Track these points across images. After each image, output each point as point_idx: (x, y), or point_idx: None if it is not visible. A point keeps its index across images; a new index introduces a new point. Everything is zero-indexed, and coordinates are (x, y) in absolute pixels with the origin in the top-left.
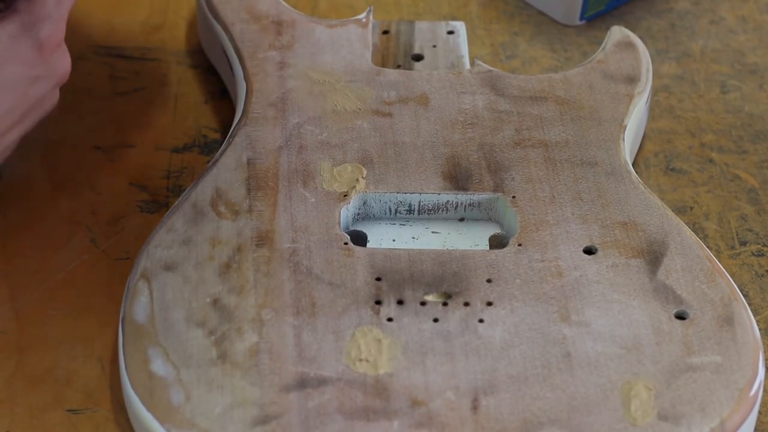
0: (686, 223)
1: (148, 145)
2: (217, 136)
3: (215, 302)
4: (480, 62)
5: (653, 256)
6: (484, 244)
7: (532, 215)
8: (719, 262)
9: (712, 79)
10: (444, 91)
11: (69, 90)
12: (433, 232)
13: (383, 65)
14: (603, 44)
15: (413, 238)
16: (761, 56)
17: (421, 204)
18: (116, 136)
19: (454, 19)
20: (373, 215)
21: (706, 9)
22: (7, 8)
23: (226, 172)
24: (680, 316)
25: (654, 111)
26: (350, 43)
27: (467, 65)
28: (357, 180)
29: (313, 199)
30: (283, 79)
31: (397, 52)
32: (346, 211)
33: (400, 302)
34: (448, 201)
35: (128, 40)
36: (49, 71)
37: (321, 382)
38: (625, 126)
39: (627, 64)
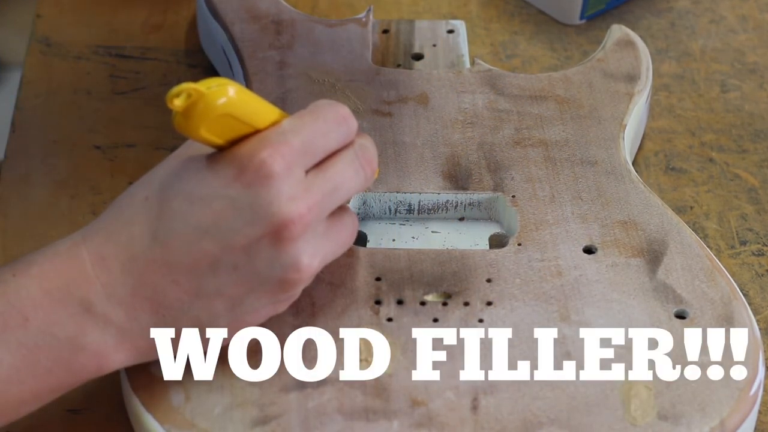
0: (686, 223)
1: (148, 145)
2: None
3: None
4: (480, 61)
5: (653, 256)
6: (484, 244)
7: (531, 214)
8: (719, 261)
9: (712, 78)
10: (444, 90)
11: (69, 90)
12: (433, 232)
13: (383, 64)
14: (603, 43)
15: (413, 237)
16: (761, 55)
17: (421, 204)
18: (116, 136)
19: (454, 18)
20: (373, 215)
21: (706, 8)
22: None
23: None
24: (680, 316)
25: (654, 110)
26: (350, 42)
27: (467, 64)
28: None
29: None
30: (283, 78)
31: (396, 52)
32: None
33: (399, 302)
34: (447, 200)
35: (128, 40)
36: None
37: (321, 382)
38: (625, 125)
39: (627, 62)
